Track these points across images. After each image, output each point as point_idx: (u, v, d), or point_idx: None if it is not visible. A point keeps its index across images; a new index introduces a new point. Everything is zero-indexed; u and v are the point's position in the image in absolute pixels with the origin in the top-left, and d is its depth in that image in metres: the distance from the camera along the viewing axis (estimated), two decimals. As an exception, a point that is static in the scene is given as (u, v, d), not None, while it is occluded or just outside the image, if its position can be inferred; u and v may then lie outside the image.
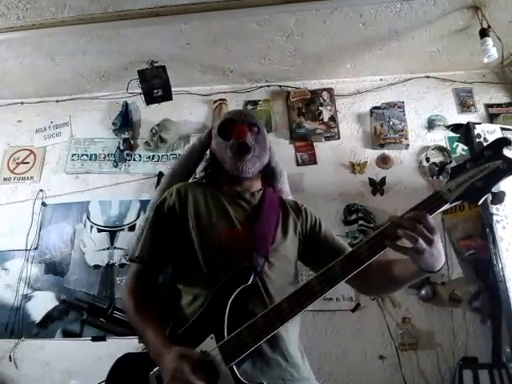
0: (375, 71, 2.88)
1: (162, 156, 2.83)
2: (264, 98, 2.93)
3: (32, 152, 2.92)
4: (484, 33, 2.23)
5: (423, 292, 2.33)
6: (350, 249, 1.19)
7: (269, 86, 2.97)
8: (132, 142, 2.84)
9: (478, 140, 2.13)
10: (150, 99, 2.63)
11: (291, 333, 1.05)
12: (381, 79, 2.93)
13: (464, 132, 2.21)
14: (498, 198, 0.88)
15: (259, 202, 1.18)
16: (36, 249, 2.64)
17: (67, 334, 2.45)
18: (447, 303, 2.33)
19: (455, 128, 2.37)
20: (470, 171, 0.86)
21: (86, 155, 2.88)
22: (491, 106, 2.79)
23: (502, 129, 2.23)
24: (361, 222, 2.44)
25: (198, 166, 1.39)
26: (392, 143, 2.70)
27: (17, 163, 2.89)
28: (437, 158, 2.63)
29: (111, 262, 2.56)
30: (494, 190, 0.85)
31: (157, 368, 0.93)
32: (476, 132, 2.15)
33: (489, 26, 2.23)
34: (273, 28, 2.34)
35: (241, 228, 1.10)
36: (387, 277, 1.07)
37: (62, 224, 2.70)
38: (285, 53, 2.61)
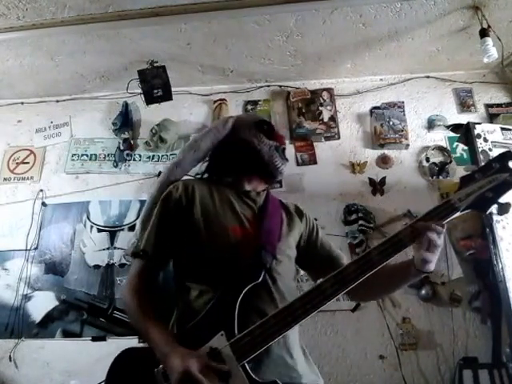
0: (375, 71, 2.88)
1: (162, 156, 2.83)
2: (264, 97, 2.94)
3: (32, 152, 2.92)
4: (484, 33, 2.23)
5: (423, 292, 2.33)
6: (344, 257, 1.23)
7: (269, 86, 2.97)
8: (132, 141, 2.84)
9: (478, 140, 2.13)
10: (150, 99, 2.63)
11: (294, 331, 1.06)
12: (381, 79, 2.93)
13: (464, 132, 2.21)
14: (504, 208, 0.92)
15: (264, 202, 1.20)
16: (36, 249, 2.64)
17: (67, 334, 2.45)
18: (447, 303, 2.33)
19: (455, 128, 2.37)
20: (478, 182, 0.91)
21: (86, 155, 2.88)
22: (491, 106, 2.79)
23: (502, 129, 2.23)
24: (361, 221, 2.44)
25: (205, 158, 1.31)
26: (392, 143, 2.70)
27: (17, 163, 2.89)
28: (437, 158, 2.64)
29: (111, 261, 2.56)
30: (500, 200, 0.90)
31: (162, 365, 0.92)
32: (476, 132, 2.15)
33: (489, 26, 2.24)
34: (273, 28, 2.34)
35: (249, 226, 1.10)
36: (386, 280, 1.08)
37: (62, 224, 2.70)
38: (285, 53, 2.61)
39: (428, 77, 2.89)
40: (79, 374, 2.30)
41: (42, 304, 2.52)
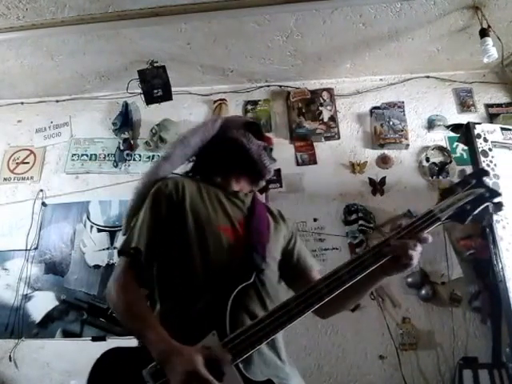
0: (375, 71, 2.89)
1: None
2: (264, 97, 2.94)
3: (32, 152, 2.92)
4: (484, 33, 2.23)
5: (423, 292, 2.33)
6: (316, 269, 1.22)
7: (269, 85, 2.97)
8: (132, 142, 2.84)
9: (478, 140, 2.13)
10: (150, 99, 2.63)
11: (281, 333, 1.04)
12: (381, 79, 2.93)
13: (464, 132, 2.21)
14: (498, 207, 1.00)
15: (252, 203, 1.19)
16: (36, 249, 2.64)
17: (67, 334, 2.45)
18: (447, 303, 2.33)
19: (455, 128, 2.38)
20: (457, 194, 1.00)
21: (86, 155, 2.88)
22: (491, 106, 2.79)
23: (502, 129, 2.23)
24: (361, 221, 2.44)
25: (194, 155, 1.29)
26: (392, 143, 2.71)
27: (17, 163, 2.89)
28: (437, 158, 2.64)
29: (111, 261, 2.56)
30: (495, 200, 0.99)
31: (152, 364, 0.87)
32: (476, 132, 2.15)
33: (489, 26, 2.24)
34: (273, 28, 2.34)
35: (238, 226, 1.09)
36: (353, 289, 1.01)
37: (62, 224, 2.70)
38: (285, 53, 2.61)
39: (428, 77, 2.89)
40: (79, 374, 2.30)
41: (42, 304, 2.53)
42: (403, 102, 2.82)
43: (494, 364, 2.14)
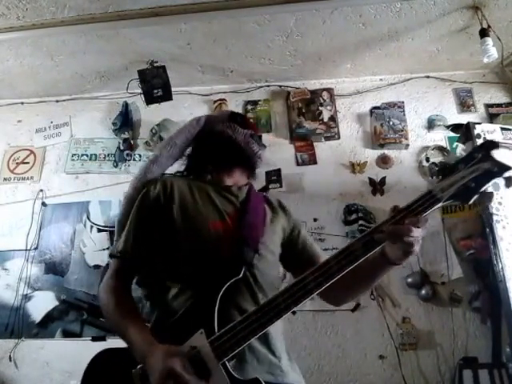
0: (375, 71, 2.89)
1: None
2: (264, 97, 2.94)
3: (32, 152, 2.92)
4: (484, 33, 2.23)
5: (423, 292, 2.33)
6: (324, 256, 1.17)
7: (269, 86, 2.97)
8: (132, 142, 2.84)
9: (478, 140, 2.13)
10: (150, 99, 2.63)
11: (277, 328, 1.03)
12: (381, 79, 2.93)
13: (464, 132, 2.21)
14: (487, 197, 0.90)
15: (247, 196, 1.17)
16: (36, 249, 2.64)
17: (67, 334, 2.45)
18: (447, 303, 2.33)
19: (455, 128, 2.38)
20: (461, 172, 0.89)
21: (86, 155, 2.88)
22: (491, 106, 2.79)
23: (502, 129, 2.23)
24: (361, 221, 2.44)
25: (182, 155, 1.29)
26: (392, 143, 2.71)
27: (17, 163, 2.89)
28: (437, 158, 2.63)
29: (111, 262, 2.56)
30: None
31: (140, 365, 0.88)
32: (476, 132, 2.15)
33: (489, 26, 2.24)
34: (273, 28, 2.34)
35: (230, 221, 1.07)
36: (358, 279, 1.04)
37: (62, 224, 2.70)
38: (285, 53, 2.61)
39: (428, 77, 2.89)
40: (79, 374, 2.28)
41: (42, 304, 2.53)
42: (403, 102, 2.82)
43: (494, 364, 2.14)
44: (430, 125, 2.75)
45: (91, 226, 2.69)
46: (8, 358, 2.39)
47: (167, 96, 2.64)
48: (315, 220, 2.54)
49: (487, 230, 2.06)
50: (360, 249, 0.88)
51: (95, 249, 2.62)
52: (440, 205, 0.88)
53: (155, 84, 2.56)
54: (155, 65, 2.57)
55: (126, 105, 2.89)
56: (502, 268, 1.96)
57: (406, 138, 2.71)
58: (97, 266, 2.57)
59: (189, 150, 1.29)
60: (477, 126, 2.18)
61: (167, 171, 1.27)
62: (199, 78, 2.88)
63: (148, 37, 2.39)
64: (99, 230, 2.67)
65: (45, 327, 2.47)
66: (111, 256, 1.09)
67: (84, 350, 2.35)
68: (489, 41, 2.21)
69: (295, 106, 2.84)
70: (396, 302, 2.37)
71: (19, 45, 2.41)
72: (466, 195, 0.88)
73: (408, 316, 2.34)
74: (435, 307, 2.35)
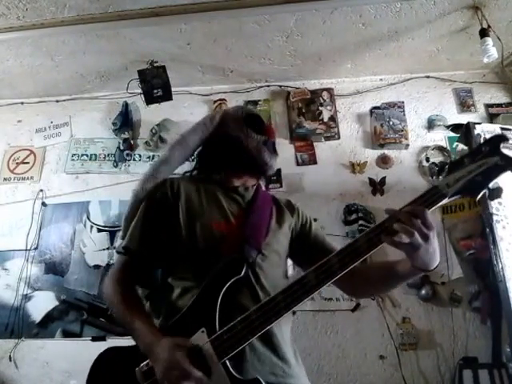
0: (375, 71, 2.88)
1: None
2: (264, 97, 2.94)
3: (32, 152, 2.92)
4: (484, 33, 2.23)
5: (423, 292, 2.33)
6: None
7: (269, 86, 2.97)
8: (132, 142, 2.84)
9: (477, 140, 2.13)
10: (150, 99, 2.63)
11: (284, 329, 1.03)
12: (381, 79, 2.93)
13: (464, 132, 2.21)
14: (496, 193, 0.89)
15: (253, 197, 1.17)
16: (36, 249, 2.64)
17: (67, 334, 2.45)
18: (447, 303, 2.33)
19: (455, 128, 2.38)
20: (468, 166, 0.87)
21: (86, 155, 2.88)
22: (491, 106, 2.79)
23: (502, 129, 2.24)
24: (361, 221, 2.44)
25: (193, 155, 1.28)
26: (392, 143, 2.71)
27: (17, 163, 2.89)
28: (437, 158, 2.63)
29: (111, 262, 2.56)
30: (491, 185, 0.86)
31: (144, 363, 0.89)
32: (476, 132, 2.15)
33: (489, 26, 2.24)
34: (273, 28, 2.34)
35: (234, 221, 1.08)
36: (382, 277, 1.07)
37: (62, 224, 2.70)
38: (285, 53, 2.61)
39: (428, 77, 2.89)
40: (79, 374, 2.28)
41: (42, 304, 2.52)
42: (403, 102, 2.82)
43: (494, 364, 2.14)
44: (430, 125, 2.75)
45: (91, 226, 2.69)
46: (8, 358, 2.39)
47: (167, 96, 2.64)
48: (315, 220, 2.46)
49: (487, 230, 2.06)
50: (363, 245, 0.87)
51: (95, 249, 2.62)
52: (446, 200, 0.87)
53: (155, 84, 2.56)
54: (155, 65, 2.57)
55: (125, 105, 2.89)
56: (502, 268, 1.96)
57: (406, 138, 2.71)
58: (97, 266, 2.57)
59: (199, 149, 1.27)
60: (477, 126, 2.18)
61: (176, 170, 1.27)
62: (199, 77, 2.88)
63: (148, 37, 2.39)
64: (99, 230, 2.67)
65: (45, 327, 2.47)
66: (117, 252, 1.10)
67: (84, 350, 2.35)
68: (489, 41, 2.21)
69: (295, 106, 2.84)
70: (396, 302, 2.37)
71: (19, 45, 2.41)
72: (473, 190, 0.86)
73: (408, 316, 2.34)
74: (435, 307, 2.35)
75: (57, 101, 3.05)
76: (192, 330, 0.90)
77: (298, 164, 2.73)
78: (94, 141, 2.92)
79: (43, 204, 2.74)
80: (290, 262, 1.27)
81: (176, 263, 1.06)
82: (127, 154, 2.82)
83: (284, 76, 2.89)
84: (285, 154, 2.72)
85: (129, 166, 2.82)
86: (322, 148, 2.76)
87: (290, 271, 1.29)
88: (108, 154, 2.86)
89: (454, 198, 0.88)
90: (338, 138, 2.78)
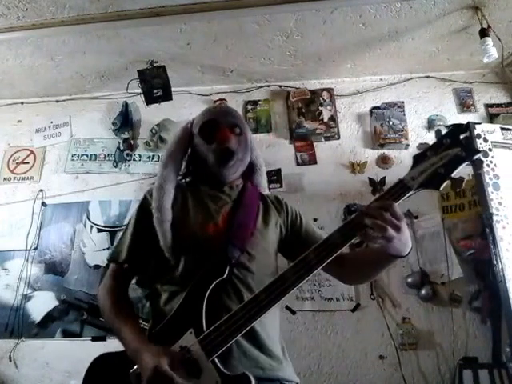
0: (375, 71, 2.88)
1: (162, 156, 2.82)
2: (264, 97, 2.94)
3: (32, 152, 2.92)
4: (484, 33, 2.23)
5: (423, 292, 2.33)
6: None
7: (269, 85, 2.97)
8: (132, 142, 2.84)
9: (478, 140, 2.13)
10: (150, 99, 2.63)
11: (268, 325, 1.05)
12: (381, 79, 2.93)
13: (464, 132, 2.21)
14: (458, 183, 0.91)
15: (239, 196, 1.17)
16: (36, 249, 2.64)
17: (67, 334, 2.45)
18: (447, 303, 2.33)
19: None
20: (430, 159, 0.90)
21: (86, 155, 2.88)
22: (491, 106, 2.79)
23: (502, 129, 2.24)
24: (361, 221, 2.44)
25: (185, 157, 1.27)
26: (392, 143, 2.71)
27: (17, 163, 2.89)
28: (437, 158, 2.63)
29: (111, 262, 2.56)
30: (453, 175, 0.89)
31: (136, 367, 0.92)
32: (476, 132, 2.15)
33: (489, 26, 2.24)
34: (273, 28, 2.34)
35: (220, 221, 1.09)
36: (361, 266, 1.14)
37: (62, 224, 2.70)
38: (285, 53, 2.61)
39: (428, 77, 2.89)
40: (79, 374, 2.27)
41: (42, 304, 2.52)
42: (403, 102, 2.82)
43: (494, 364, 2.14)
44: (430, 125, 2.75)
45: (91, 226, 2.69)
46: (8, 358, 2.39)
47: (167, 96, 2.64)
48: (315, 220, 2.53)
49: (487, 230, 2.06)
50: (338, 239, 0.92)
51: (95, 249, 2.62)
52: (412, 193, 0.91)
53: (155, 84, 2.56)
54: (155, 65, 2.57)
55: (125, 105, 2.89)
56: (502, 268, 1.96)
57: (406, 138, 2.71)
58: (97, 266, 2.57)
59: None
60: (477, 126, 2.18)
61: None
62: (199, 77, 2.88)
63: (148, 37, 2.39)
64: (99, 230, 2.67)
65: (45, 327, 2.47)
66: (108, 260, 1.16)
67: (84, 350, 2.35)
68: (489, 41, 2.21)
69: (295, 106, 2.84)
70: (396, 302, 2.37)
71: (19, 45, 2.41)
72: (436, 182, 0.89)
73: (408, 316, 2.34)
74: (435, 307, 2.35)
75: (57, 101, 3.05)
76: (180, 331, 0.94)
77: (298, 164, 2.73)
78: (94, 141, 2.92)
79: (43, 204, 2.74)
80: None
81: (162, 268, 1.08)
82: (127, 154, 2.82)
83: (284, 76, 2.89)
84: (285, 153, 2.72)
85: (129, 166, 2.82)
86: (321, 148, 2.76)
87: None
88: (108, 154, 2.86)
89: (418, 190, 0.91)
90: (338, 138, 2.78)
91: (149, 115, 2.88)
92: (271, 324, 1.07)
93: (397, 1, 2.14)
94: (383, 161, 2.68)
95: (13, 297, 2.53)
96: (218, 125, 1.17)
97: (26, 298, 2.54)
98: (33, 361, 2.40)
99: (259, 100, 2.92)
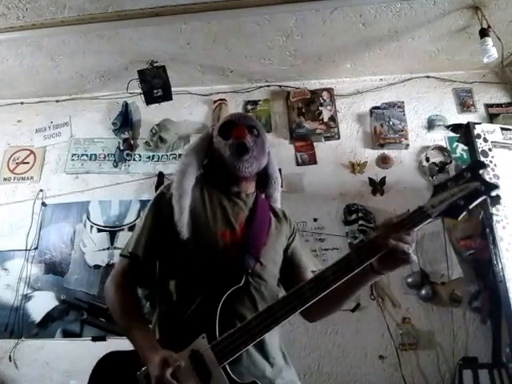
0: (375, 71, 2.88)
1: (162, 156, 2.83)
2: (264, 97, 2.94)
3: (32, 152, 2.92)
4: (484, 33, 2.23)
5: (423, 292, 2.33)
6: (309, 269, 1.19)
7: (269, 86, 2.97)
8: (132, 142, 2.84)
9: (477, 140, 2.13)
10: (150, 99, 2.63)
11: (273, 335, 1.05)
12: (381, 79, 2.93)
13: (464, 132, 2.21)
14: (495, 201, 0.94)
15: (254, 204, 1.19)
16: (36, 249, 2.64)
17: (67, 334, 2.45)
18: (447, 303, 2.33)
19: (455, 128, 2.37)
20: (451, 189, 0.95)
21: (86, 155, 2.88)
22: (491, 106, 2.79)
23: (502, 129, 2.24)
24: (361, 221, 2.44)
25: (205, 161, 1.28)
26: (392, 143, 2.71)
27: (17, 163, 2.89)
28: (437, 158, 2.63)
29: (111, 261, 2.56)
30: (492, 194, 0.92)
31: (146, 367, 0.93)
32: (476, 132, 2.15)
33: (489, 26, 2.24)
34: (273, 28, 2.34)
35: (238, 229, 1.10)
36: (345, 291, 1.03)
37: (62, 224, 2.70)
38: (285, 53, 2.61)
39: (428, 77, 2.89)
40: (79, 374, 2.30)
41: (42, 304, 2.52)
42: (403, 102, 2.82)
43: (494, 364, 2.14)
44: (430, 125, 2.75)
45: (91, 226, 2.69)
46: (8, 358, 2.39)
47: (167, 96, 2.64)
48: (315, 220, 2.54)
49: (487, 230, 2.06)
50: (355, 259, 0.93)
51: (95, 249, 2.62)
52: (430, 220, 0.95)
53: (155, 84, 2.56)
54: (155, 65, 2.57)
55: (125, 105, 2.89)
56: (502, 268, 1.96)
57: (406, 138, 2.71)
58: (97, 266, 2.57)
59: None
60: (477, 126, 2.18)
61: None
62: (199, 77, 2.88)
63: (148, 37, 2.39)
64: (99, 230, 2.67)
65: (45, 327, 2.47)
66: (121, 255, 1.13)
67: (84, 350, 2.35)
68: (489, 41, 2.21)
69: (295, 106, 2.84)
70: (396, 302, 2.37)
71: (19, 45, 2.41)
72: (455, 212, 0.93)
73: (408, 316, 2.34)
74: (435, 307, 2.35)
75: (57, 101, 3.05)
76: (193, 335, 0.94)
77: (298, 164, 2.73)
78: (94, 141, 2.92)
79: (43, 204, 2.74)
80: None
81: (180, 269, 1.07)
82: (127, 154, 2.82)
83: (284, 76, 2.89)
84: (285, 153, 2.72)
85: (129, 166, 2.82)
86: (321, 148, 2.76)
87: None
88: (108, 154, 2.86)
89: (437, 218, 0.96)
90: (338, 138, 2.78)
91: (149, 115, 2.88)
92: (275, 333, 1.08)
93: (397, 1, 2.14)
94: (383, 161, 2.69)
95: (13, 297, 2.53)
96: (235, 124, 1.22)
97: (26, 298, 2.54)
98: (33, 361, 2.41)
99: (259, 100, 2.92)
